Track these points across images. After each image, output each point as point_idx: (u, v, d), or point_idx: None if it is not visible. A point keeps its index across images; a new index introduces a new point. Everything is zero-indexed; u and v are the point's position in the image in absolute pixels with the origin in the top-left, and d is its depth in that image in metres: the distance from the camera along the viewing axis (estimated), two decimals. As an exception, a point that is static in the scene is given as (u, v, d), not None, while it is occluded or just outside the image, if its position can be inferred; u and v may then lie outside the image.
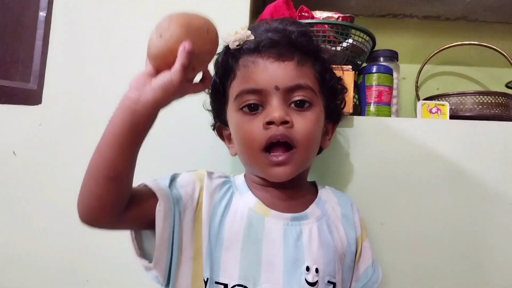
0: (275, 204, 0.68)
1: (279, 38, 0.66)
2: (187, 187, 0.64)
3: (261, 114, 0.65)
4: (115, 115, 0.54)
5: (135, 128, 0.53)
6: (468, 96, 1.05)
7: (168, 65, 0.53)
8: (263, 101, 0.65)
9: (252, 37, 0.67)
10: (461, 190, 0.88)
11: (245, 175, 0.73)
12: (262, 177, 0.69)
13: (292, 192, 0.70)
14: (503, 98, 1.05)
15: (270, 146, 0.64)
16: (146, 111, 0.53)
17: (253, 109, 0.65)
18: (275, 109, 0.63)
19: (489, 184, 0.88)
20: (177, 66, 0.52)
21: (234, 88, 0.68)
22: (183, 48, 0.51)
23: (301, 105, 0.66)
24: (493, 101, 1.04)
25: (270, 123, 0.63)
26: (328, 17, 1.00)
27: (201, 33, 0.54)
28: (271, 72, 0.65)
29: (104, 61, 0.96)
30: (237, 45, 0.67)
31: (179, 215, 0.62)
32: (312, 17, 0.99)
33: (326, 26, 0.95)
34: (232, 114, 0.69)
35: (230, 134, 0.73)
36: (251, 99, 0.65)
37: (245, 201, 0.67)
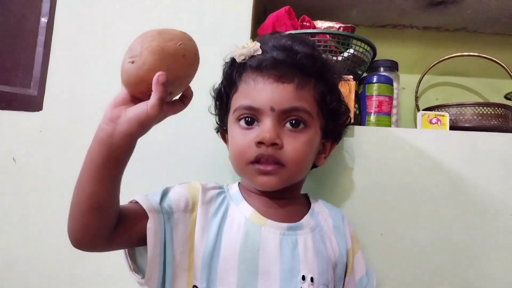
0: (270, 214, 0.69)
1: (283, 58, 0.67)
2: (179, 202, 0.64)
3: (255, 129, 0.67)
4: (92, 148, 0.52)
5: (112, 160, 0.52)
6: (467, 107, 1.05)
7: (142, 93, 0.50)
8: (258, 118, 0.67)
9: (260, 51, 0.68)
10: (461, 200, 0.88)
11: (239, 184, 0.75)
12: None
13: (286, 202, 0.72)
14: (502, 109, 1.05)
15: (259, 161, 0.66)
16: (122, 144, 0.51)
17: (249, 123, 0.68)
18: (267, 130, 0.65)
19: (489, 194, 0.88)
20: (154, 100, 0.49)
21: (234, 101, 0.71)
22: (157, 80, 0.48)
23: (295, 125, 0.67)
24: (492, 112, 1.04)
25: (260, 143, 0.65)
26: (330, 27, 1.01)
27: (177, 59, 0.50)
28: (269, 93, 0.66)
29: (106, 68, 0.96)
30: (242, 59, 0.68)
31: (170, 230, 0.62)
32: (314, 27, 1.00)
33: (327, 36, 0.96)
34: (231, 125, 0.71)
35: None
36: (248, 113, 0.67)
37: (241, 210, 0.69)
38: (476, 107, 1.05)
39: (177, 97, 0.57)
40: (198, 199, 0.66)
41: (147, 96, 0.49)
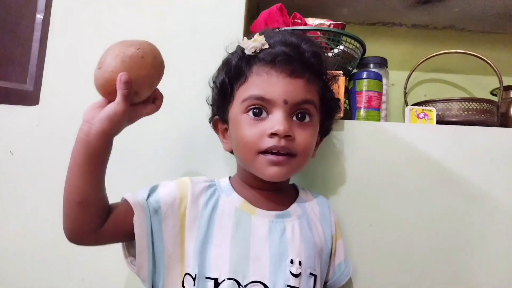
0: (259, 203, 0.73)
1: (294, 55, 0.69)
2: (167, 197, 0.67)
3: (265, 121, 0.68)
4: (74, 146, 0.58)
5: (91, 157, 0.58)
6: (454, 102, 1.07)
7: (110, 94, 0.56)
8: (268, 109, 0.68)
9: (267, 46, 0.70)
10: (447, 192, 0.91)
11: (230, 178, 0.78)
12: (254, 176, 0.72)
13: (275, 193, 0.75)
14: (488, 104, 1.07)
15: (270, 151, 0.68)
16: (97, 142, 0.57)
17: (257, 114, 0.69)
18: (280, 122, 0.66)
19: (474, 186, 0.91)
20: (118, 97, 0.55)
21: (243, 92, 0.71)
22: (119, 79, 0.55)
23: (301, 119, 0.70)
24: (478, 107, 1.06)
25: (274, 134, 0.66)
26: (320, 24, 1.03)
27: (136, 60, 0.56)
28: (282, 86, 0.68)
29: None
30: (252, 52, 0.70)
31: (159, 223, 0.66)
32: (305, 24, 1.02)
33: (318, 33, 0.98)
34: (236, 116, 0.72)
35: (225, 129, 0.77)
36: (258, 104, 0.69)
37: (231, 201, 0.72)
38: (463, 102, 1.07)
39: (146, 98, 0.62)
40: (188, 193, 0.69)
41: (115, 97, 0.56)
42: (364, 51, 1.06)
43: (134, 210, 0.63)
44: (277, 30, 0.80)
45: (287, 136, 0.67)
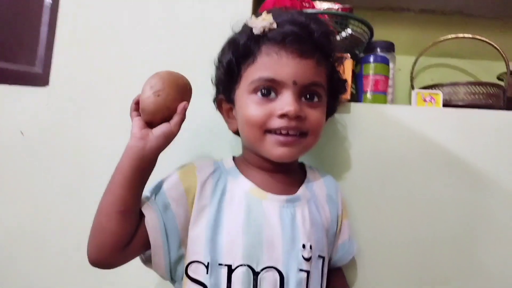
0: (269, 187, 0.72)
1: (304, 35, 0.69)
2: (172, 192, 0.67)
3: (273, 101, 0.68)
4: (123, 162, 0.63)
5: (142, 170, 0.63)
6: (461, 86, 1.08)
7: (163, 118, 0.64)
8: (277, 90, 0.68)
9: (275, 26, 0.69)
10: (453, 175, 0.91)
11: (234, 158, 0.77)
12: (261, 157, 0.72)
13: (284, 175, 0.75)
14: (495, 88, 1.07)
15: (279, 131, 0.68)
16: (151, 156, 0.63)
17: (265, 94, 0.69)
18: (290, 103, 0.66)
19: (480, 169, 0.91)
20: (177, 120, 0.64)
21: (252, 73, 0.70)
22: (183, 107, 0.64)
23: (310, 99, 0.70)
24: (484, 91, 1.07)
25: (284, 115, 0.67)
26: (328, 8, 1.03)
27: (186, 91, 0.68)
28: (292, 68, 0.68)
29: (110, 45, 0.98)
30: (261, 31, 0.69)
31: (172, 220, 0.66)
32: (313, 7, 1.02)
33: (326, 16, 0.98)
34: (243, 96, 0.71)
35: (230, 109, 0.77)
36: (267, 85, 0.68)
37: (240, 185, 0.71)
38: (469, 86, 1.07)
39: None
40: (195, 182, 0.68)
41: (164, 121, 0.64)
42: (372, 35, 1.06)
43: (144, 212, 0.64)
44: (284, 9, 0.79)
45: (297, 117, 0.67)
